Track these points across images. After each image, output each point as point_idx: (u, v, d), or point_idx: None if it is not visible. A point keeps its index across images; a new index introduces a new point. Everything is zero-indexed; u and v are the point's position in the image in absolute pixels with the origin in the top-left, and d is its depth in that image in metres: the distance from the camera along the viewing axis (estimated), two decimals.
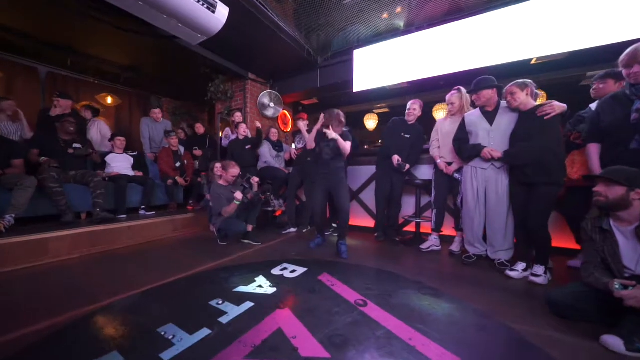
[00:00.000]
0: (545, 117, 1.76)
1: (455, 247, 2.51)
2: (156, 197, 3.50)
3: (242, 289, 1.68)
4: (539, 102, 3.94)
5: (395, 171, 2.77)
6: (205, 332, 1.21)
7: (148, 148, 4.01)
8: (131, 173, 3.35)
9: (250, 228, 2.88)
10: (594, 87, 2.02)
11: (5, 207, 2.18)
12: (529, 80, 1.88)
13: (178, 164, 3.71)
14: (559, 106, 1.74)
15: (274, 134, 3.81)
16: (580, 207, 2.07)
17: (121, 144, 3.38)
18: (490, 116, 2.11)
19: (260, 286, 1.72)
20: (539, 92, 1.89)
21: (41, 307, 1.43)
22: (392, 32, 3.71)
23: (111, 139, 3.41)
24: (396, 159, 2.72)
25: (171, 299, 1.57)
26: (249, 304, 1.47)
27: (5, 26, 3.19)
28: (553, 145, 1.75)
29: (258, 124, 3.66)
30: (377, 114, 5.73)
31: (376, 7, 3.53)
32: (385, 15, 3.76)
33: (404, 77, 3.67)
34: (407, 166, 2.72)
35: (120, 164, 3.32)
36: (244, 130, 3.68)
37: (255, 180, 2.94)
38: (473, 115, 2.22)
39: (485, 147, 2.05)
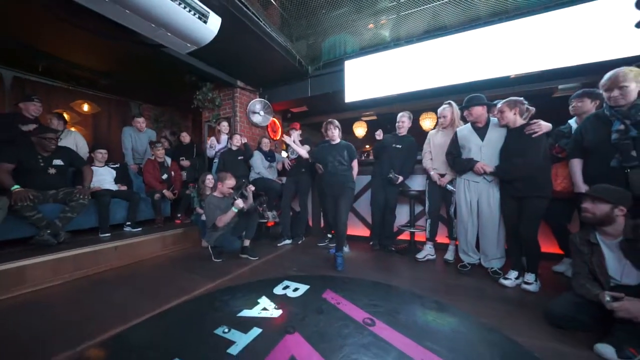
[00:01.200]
0: (533, 135, 1.88)
1: (449, 255, 2.60)
2: (141, 211, 3.31)
3: (246, 313, 1.62)
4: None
5: (389, 183, 2.83)
6: None
7: (131, 159, 3.79)
8: (114, 187, 3.15)
9: (247, 243, 2.81)
10: (572, 104, 2.18)
11: None
12: (520, 99, 2.00)
13: (165, 176, 3.54)
14: (545, 125, 1.88)
15: (265, 144, 3.75)
16: (562, 216, 2.24)
17: (102, 157, 3.17)
18: (481, 132, 2.22)
19: (265, 309, 1.68)
20: (530, 107, 2.01)
21: (16, 354, 1.29)
22: (383, 45, 3.81)
23: (91, 151, 3.19)
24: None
25: (173, 330, 1.49)
26: (256, 331, 1.43)
27: None
28: (541, 162, 1.87)
29: (243, 139, 3.59)
30: (365, 121, 5.83)
31: (364, 17, 3.61)
32: (370, 26, 3.85)
33: (394, 89, 3.78)
34: (401, 178, 2.78)
35: (102, 177, 3.10)
36: (237, 141, 3.59)
37: (251, 188, 2.88)
38: (465, 130, 2.32)
39: (477, 161, 2.15)
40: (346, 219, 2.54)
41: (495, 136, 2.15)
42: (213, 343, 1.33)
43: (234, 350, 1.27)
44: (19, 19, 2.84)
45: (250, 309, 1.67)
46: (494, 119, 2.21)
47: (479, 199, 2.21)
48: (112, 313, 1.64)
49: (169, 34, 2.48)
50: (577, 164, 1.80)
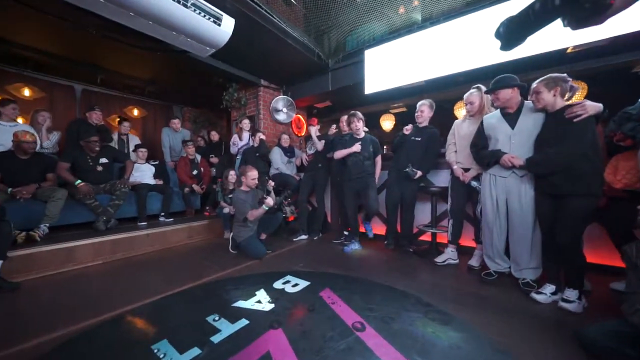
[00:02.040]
0: (575, 120, 1.52)
1: (474, 261, 2.29)
2: (175, 204, 3.67)
3: (240, 303, 1.67)
4: (578, 94, 3.50)
5: (406, 178, 2.61)
6: (195, 351, 1.21)
7: (168, 156, 4.23)
8: (152, 182, 3.55)
9: (263, 236, 2.90)
10: None
11: (41, 218, 2.42)
12: (562, 75, 1.63)
13: (195, 172, 3.86)
14: (591, 106, 1.49)
15: (285, 140, 3.80)
16: (625, 221, 1.78)
17: (143, 155, 3.59)
18: (511, 118, 1.88)
19: (259, 301, 1.70)
20: (575, 85, 1.63)
21: (57, 316, 1.54)
22: (406, 29, 3.52)
23: (134, 150, 3.64)
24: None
25: (173, 313, 1.61)
26: (243, 322, 1.46)
27: (42, 50, 3.53)
28: (586, 151, 1.50)
29: (262, 136, 3.68)
30: (393, 114, 5.49)
31: (388, 3, 3.37)
32: (401, 10, 3.57)
33: (419, 76, 3.46)
34: (419, 173, 2.53)
35: (142, 173, 3.53)
36: (258, 138, 3.73)
37: (270, 184, 2.94)
38: (493, 118, 2.00)
39: (505, 153, 1.83)
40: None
41: (529, 123, 1.80)
42: (201, 329, 1.40)
43: (216, 338, 1.31)
44: (80, 41, 3.38)
45: (246, 300, 1.71)
46: (528, 103, 1.85)
47: (507, 197, 1.88)
48: (131, 292, 1.84)
49: (188, 39, 2.67)
50: None
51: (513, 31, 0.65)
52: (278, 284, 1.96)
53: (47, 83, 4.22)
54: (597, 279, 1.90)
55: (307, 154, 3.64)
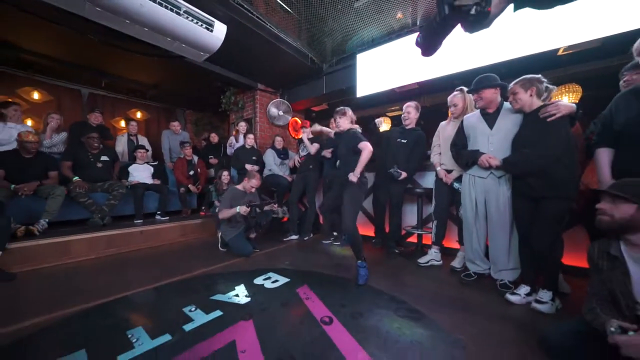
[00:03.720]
0: (549, 119, 1.53)
1: (457, 262, 2.29)
2: (172, 203, 3.78)
3: (218, 297, 1.72)
4: (572, 97, 3.44)
5: (392, 180, 2.63)
6: (165, 337, 1.27)
7: (168, 158, 4.37)
8: (150, 182, 3.68)
9: (253, 235, 2.96)
10: (625, 78, 1.70)
11: (41, 213, 2.55)
12: (537, 76, 1.65)
13: (192, 172, 3.97)
14: (565, 106, 1.50)
15: (279, 143, 3.89)
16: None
17: (142, 156, 3.73)
18: (490, 119, 1.90)
19: (236, 295, 1.75)
20: (551, 86, 1.64)
21: (43, 303, 1.62)
22: (398, 32, 3.57)
23: (134, 151, 3.78)
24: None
25: (153, 303, 1.68)
26: (217, 313, 1.51)
27: (49, 55, 3.73)
28: (560, 153, 1.51)
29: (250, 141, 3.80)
30: (390, 117, 5.51)
31: (384, 9, 3.43)
32: (400, 16, 3.62)
33: (411, 78, 3.49)
34: (403, 174, 2.55)
35: (141, 173, 3.66)
36: (250, 140, 3.83)
37: (274, 207, 2.94)
38: (473, 118, 2.02)
39: (483, 153, 1.85)
40: (352, 219, 1.96)
41: (508, 123, 1.81)
42: (176, 318, 1.46)
43: (188, 327, 1.37)
44: (84, 47, 3.56)
45: (224, 294, 1.77)
46: (507, 104, 1.86)
47: (486, 198, 1.89)
48: (118, 284, 1.92)
49: (183, 45, 2.79)
50: (604, 155, 1.39)
51: (427, 38, 0.71)
52: (259, 280, 2.01)
53: (55, 87, 4.44)
54: (579, 282, 1.87)
55: (300, 155, 3.70)
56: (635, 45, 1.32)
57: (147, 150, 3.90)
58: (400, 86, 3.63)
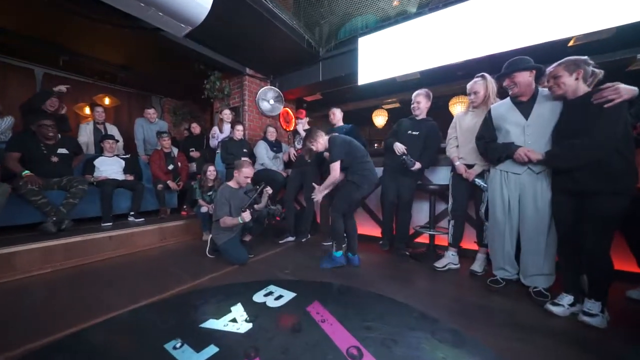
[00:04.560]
0: (606, 105, 1.32)
1: (477, 266, 2.09)
2: (147, 202, 3.30)
3: (210, 324, 1.37)
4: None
5: (402, 172, 2.38)
6: None
7: (142, 150, 3.83)
8: (121, 177, 3.17)
9: (248, 238, 2.61)
10: None
11: None
12: (584, 58, 1.43)
13: (171, 167, 3.49)
14: (626, 89, 1.29)
15: (271, 134, 3.50)
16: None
17: (110, 147, 3.20)
18: (525, 108, 1.68)
19: (233, 320, 1.41)
20: (597, 70, 1.45)
21: None
22: (403, 16, 3.29)
23: (101, 141, 3.23)
24: (400, 148, 2.35)
25: (124, 336, 1.30)
26: (212, 350, 1.16)
27: None
28: (617, 142, 1.30)
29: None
30: (386, 109, 5.30)
31: None
32: (396, 3, 3.36)
33: (415, 67, 3.24)
34: (417, 164, 2.31)
35: (110, 167, 3.13)
36: (239, 132, 3.41)
37: (268, 191, 2.61)
38: (502, 107, 1.79)
39: (519, 146, 1.63)
40: (337, 211, 2.17)
41: (546, 112, 1.60)
42: None
43: None
44: (37, 15, 2.94)
45: (218, 319, 1.42)
46: (543, 90, 1.65)
47: (520, 197, 1.68)
48: (79, 308, 1.51)
49: (160, 13, 2.32)
50: None
51: None
52: (258, 297, 1.68)
53: (1, 65, 3.71)
54: (611, 286, 1.73)
55: (296, 148, 3.35)
56: None
57: (117, 141, 3.37)
58: (402, 75, 3.37)
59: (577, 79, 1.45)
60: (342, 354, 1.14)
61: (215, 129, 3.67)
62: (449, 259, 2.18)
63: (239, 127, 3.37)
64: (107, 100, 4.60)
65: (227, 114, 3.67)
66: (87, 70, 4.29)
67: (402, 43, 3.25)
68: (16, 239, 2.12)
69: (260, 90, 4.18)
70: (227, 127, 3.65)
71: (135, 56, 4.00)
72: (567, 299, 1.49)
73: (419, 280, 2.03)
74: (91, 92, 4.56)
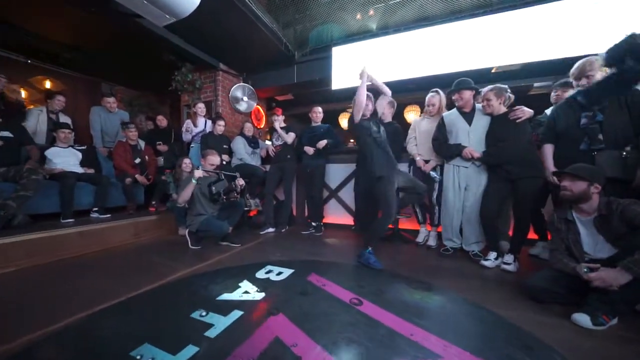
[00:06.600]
0: (517, 121, 1.93)
1: (432, 241, 2.63)
2: (112, 197, 3.06)
3: (226, 296, 1.53)
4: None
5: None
6: (191, 349, 1.06)
7: (100, 142, 3.49)
8: (79, 170, 2.88)
9: (230, 229, 2.69)
10: (555, 93, 2.28)
11: None
12: (504, 86, 2.05)
13: (138, 160, 3.29)
14: (528, 111, 1.95)
15: (248, 129, 3.60)
16: (537, 201, 2.33)
17: (65, 137, 2.88)
18: (468, 117, 2.25)
19: (246, 292, 1.59)
20: (511, 95, 2.09)
21: None
22: (371, 33, 3.78)
23: (53, 130, 2.88)
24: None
25: (143, 315, 1.36)
26: (237, 313, 1.34)
27: None
28: (526, 144, 1.94)
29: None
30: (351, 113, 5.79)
31: (353, 7, 3.57)
32: (358, 16, 3.82)
33: (379, 78, 3.75)
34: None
35: (66, 159, 2.83)
36: (221, 127, 3.42)
37: (240, 183, 2.70)
38: (452, 115, 2.34)
39: (465, 146, 2.18)
40: (391, 216, 2.08)
41: (482, 122, 2.18)
42: (189, 327, 1.23)
43: (212, 333, 1.18)
44: None
45: (231, 292, 1.57)
46: (478, 105, 2.24)
47: (467, 185, 2.24)
48: (76, 298, 1.47)
49: (145, 1, 2.28)
50: (548, 149, 1.89)
51: None
52: (261, 274, 1.87)
53: None
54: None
55: (274, 144, 3.53)
56: (572, 69, 1.80)
57: (73, 131, 3.03)
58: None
59: (500, 103, 2.06)
60: (347, 304, 1.44)
61: (189, 122, 3.59)
62: (424, 234, 2.73)
63: (221, 122, 3.39)
64: (47, 84, 3.98)
65: (201, 108, 3.62)
66: (21, 46, 3.66)
67: (370, 56, 3.74)
68: None
69: (234, 86, 4.21)
70: (201, 121, 3.60)
71: (88, 36, 3.58)
72: (492, 255, 2.08)
73: (387, 253, 2.44)
74: (26, 72, 3.89)
